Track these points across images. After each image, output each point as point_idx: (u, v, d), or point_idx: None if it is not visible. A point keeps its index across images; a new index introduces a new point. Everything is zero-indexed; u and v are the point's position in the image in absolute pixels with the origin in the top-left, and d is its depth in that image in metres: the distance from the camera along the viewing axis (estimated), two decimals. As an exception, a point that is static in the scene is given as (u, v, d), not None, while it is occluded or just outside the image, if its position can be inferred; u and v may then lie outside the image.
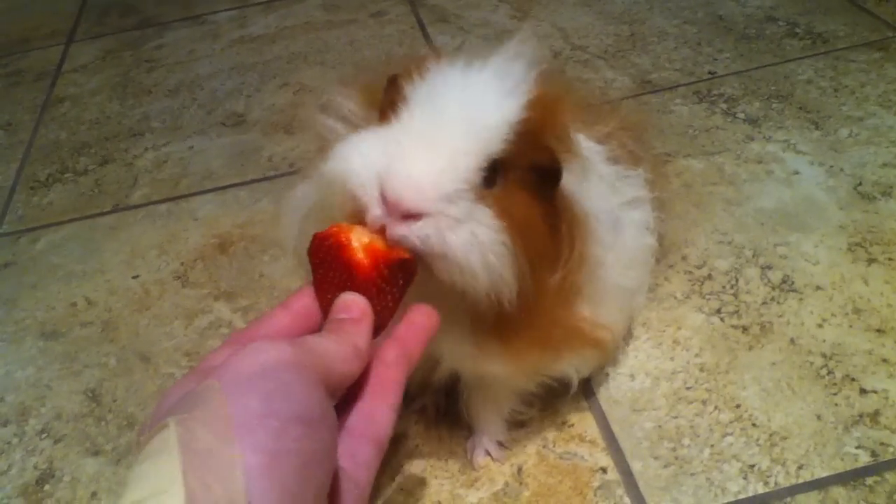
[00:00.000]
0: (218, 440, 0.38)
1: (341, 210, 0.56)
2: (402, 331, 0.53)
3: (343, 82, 0.75)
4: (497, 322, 0.59)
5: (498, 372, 0.66)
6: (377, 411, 0.49)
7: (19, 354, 0.99)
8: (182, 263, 1.09)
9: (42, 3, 1.92)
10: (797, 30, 1.40)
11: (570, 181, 0.62)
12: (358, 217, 0.55)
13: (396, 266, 0.53)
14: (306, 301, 0.54)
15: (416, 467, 0.79)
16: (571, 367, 0.71)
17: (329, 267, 0.53)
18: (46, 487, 0.83)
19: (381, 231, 0.54)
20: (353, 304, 0.52)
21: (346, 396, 0.49)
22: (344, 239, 0.53)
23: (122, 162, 1.32)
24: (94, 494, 0.81)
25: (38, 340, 1.00)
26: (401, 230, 0.53)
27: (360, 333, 0.50)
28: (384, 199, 0.53)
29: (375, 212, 0.54)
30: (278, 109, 1.40)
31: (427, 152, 0.54)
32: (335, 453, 0.44)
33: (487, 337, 0.61)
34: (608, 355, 0.81)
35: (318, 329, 0.53)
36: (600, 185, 0.69)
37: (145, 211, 1.20)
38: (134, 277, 1.08)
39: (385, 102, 0.61)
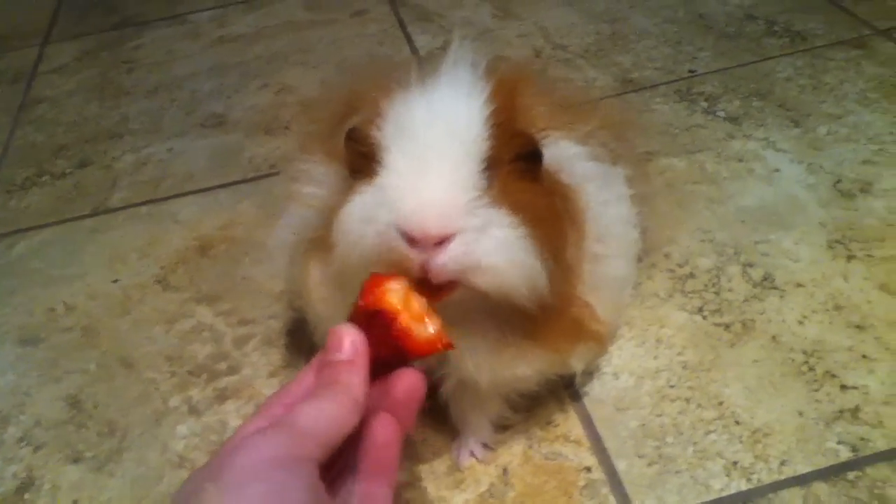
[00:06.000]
0: None
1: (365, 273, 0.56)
2: (397, 405, 0.53)
3: (303, 147, 0.77)
4: (529, 321, 0.60)
5: (525, 373, 0.66)
6: (377, 493, 0.50)
7: (-2, 361, 0.98)
8: (163, 267, 1.08)
9: (17, 3, 1.90)
10: (776, 28, 1.40)
11: (547, 156, 0.63)
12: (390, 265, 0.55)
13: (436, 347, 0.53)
14: None
15: (400, 468, 0.79)
16: (576, 358, 0.71)
17: (379, 329, 0.52)
18: (27, 496, 0.81)
19: (425, 274, 0.54)
20: (344, 340, 0.50)
21: (343, 462, 0.51)
22: (394, 312, 0.51)
23: (101, 164, 1.30)
24: (75, 502, 0.80)
25: (17, 347, 0.99)
26: (439, 260, 0.54)
27: (354, 379, 0.49)
28: (413, 240, 0.54)
29: (414, 257, 0.54)
30: (259, 110, 1.39)
31: (428, 178, 0.55)
32: None
33: (523, 339, 0.63)
34: (603, 350, 0.82)
35: None
36: (586, 183, 0.70)
37: (125, 214, 1.19)
38: (114, 281, 1.07)
39: (352, 156, 0.61)
